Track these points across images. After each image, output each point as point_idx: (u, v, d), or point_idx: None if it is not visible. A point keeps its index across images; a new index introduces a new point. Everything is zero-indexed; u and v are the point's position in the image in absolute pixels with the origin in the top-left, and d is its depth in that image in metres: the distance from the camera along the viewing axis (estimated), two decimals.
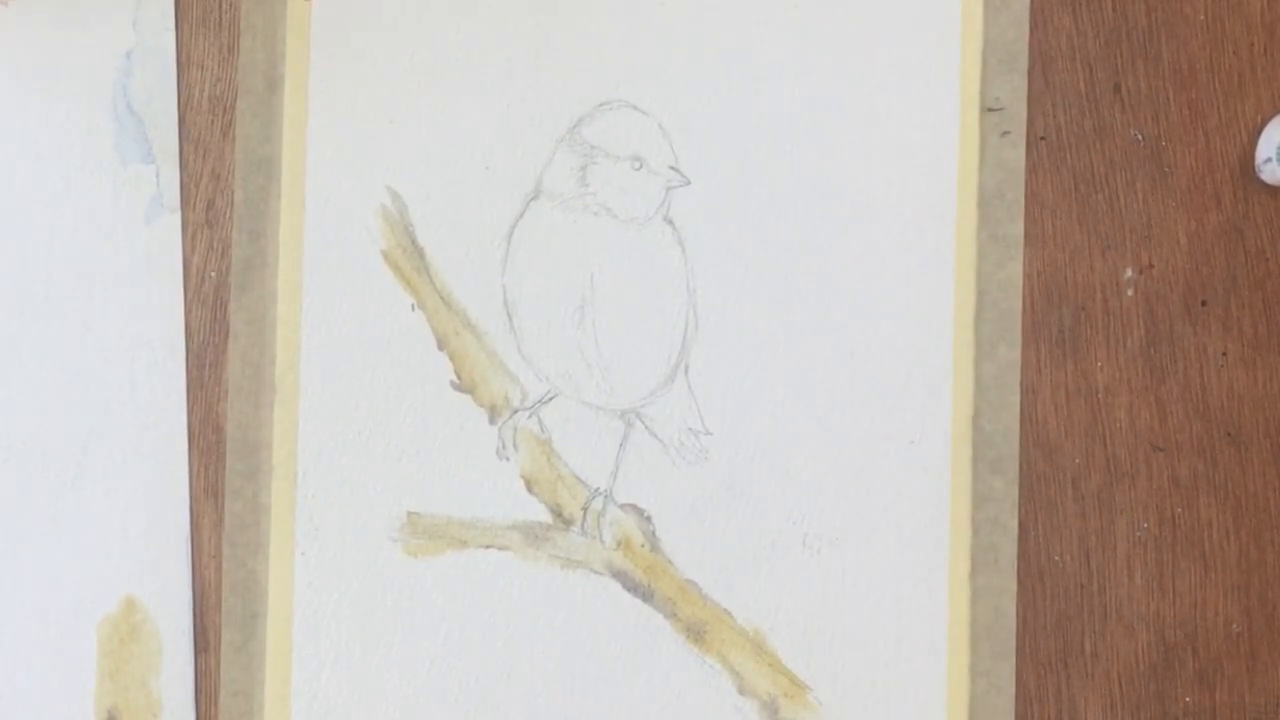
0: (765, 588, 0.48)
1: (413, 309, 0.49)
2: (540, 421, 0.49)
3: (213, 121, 0.50)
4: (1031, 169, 0.48)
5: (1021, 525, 0.48)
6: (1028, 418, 0.48)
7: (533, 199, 0.49)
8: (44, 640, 0.49)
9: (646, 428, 0.48)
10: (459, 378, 0.49)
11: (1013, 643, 0.48)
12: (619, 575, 0.49)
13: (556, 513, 0.49)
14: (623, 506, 0.49)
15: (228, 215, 0.49)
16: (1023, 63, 0.48)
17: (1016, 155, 0.48)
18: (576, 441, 0.49)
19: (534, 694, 0.48)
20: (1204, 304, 0.48)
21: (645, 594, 0.48)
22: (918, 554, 0.48)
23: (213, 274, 0.50)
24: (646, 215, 0.48)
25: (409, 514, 0.49)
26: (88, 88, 0.50)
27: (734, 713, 0.48)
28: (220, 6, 0.50)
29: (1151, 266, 0.48)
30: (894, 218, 0.48)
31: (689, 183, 0.48)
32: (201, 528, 0.49)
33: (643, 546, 0.48)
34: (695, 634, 0.48)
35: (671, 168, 0.48)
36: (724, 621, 0.48)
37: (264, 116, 0.49)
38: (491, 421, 0.49)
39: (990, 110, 0.48)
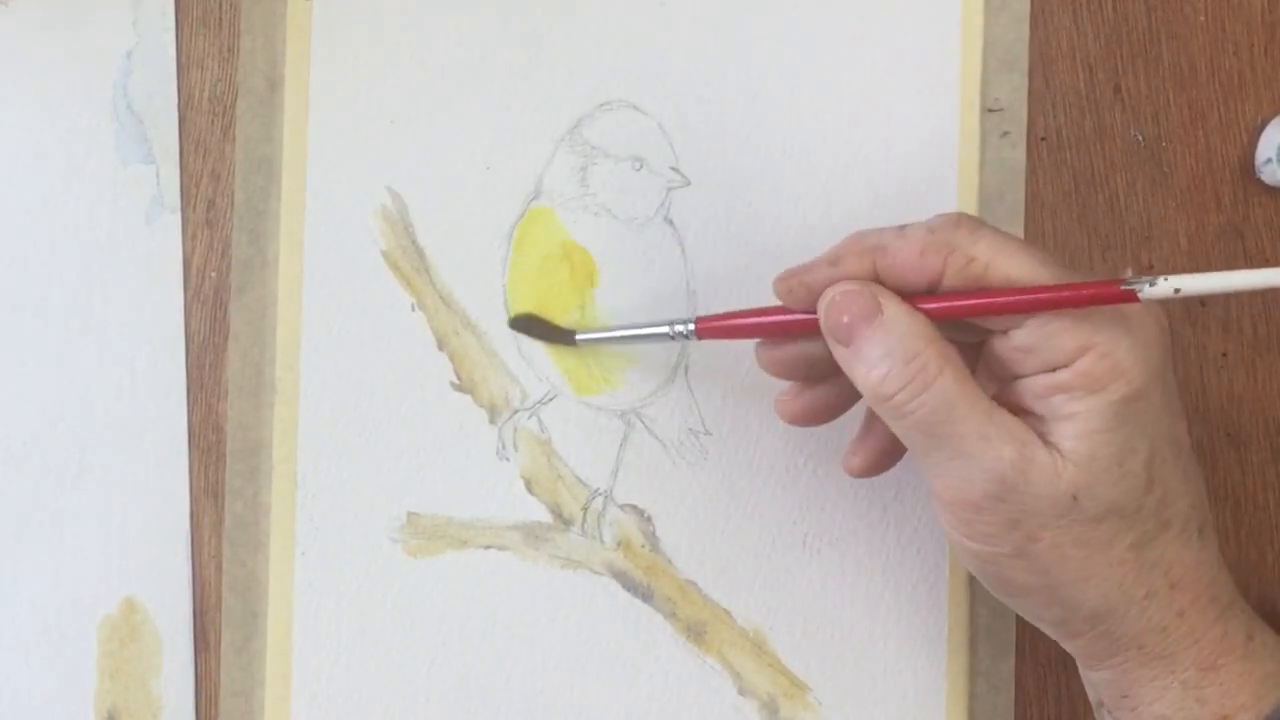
0: (765, 588, 0.48)
1: (413, 309, 0.49)
2: (540, 421, 0.49)
3: (213, 121, 0.50)
4: (1032, 170, 0.48)
5: None
6: None
7: (533, 199, 0.49)
8: (44, 640, 0.49)
9: (646, 428, 0.48)
10: (459, 378, 0.49)
11: (1012, 643, 0.48)
12: (619, 575, 0.49)
13: (556, 513, 0.49)
14: (623, 507, 0.49)
15: (228, 215, 0.49)
16: (1023, 63, 0.48)
17: (1017, 156, 0.48)
18: (576, 441, 0.49)
19: (534, 694, 0.48)
20: (1203, 304, 0.48)
21: (645, 594, 0.48)
22: (918, 554, 0.48)
23: (213, 274, 0.50)
24: (647, 216, 0.48)
25: (409, 514, 0.49)
26: (88, 88, 0.50)
27: (734, 713, 0.48)
28: (220, 6, 0.50)
29: (1151, 267, 0.48)
30: (894, 218, 0.48)
31: (689, 183, 0.48)
32: (201, 528, 0.49)
33: (643, 547, 0.48)
34: (695, 634, 0.48)
35: (672, 168, 0.48)
36: (724, 621, 0.48)
37: (264, 116, 0.49)
38: (491, 421, 0.49)
39: (990, 111, 0.48)
